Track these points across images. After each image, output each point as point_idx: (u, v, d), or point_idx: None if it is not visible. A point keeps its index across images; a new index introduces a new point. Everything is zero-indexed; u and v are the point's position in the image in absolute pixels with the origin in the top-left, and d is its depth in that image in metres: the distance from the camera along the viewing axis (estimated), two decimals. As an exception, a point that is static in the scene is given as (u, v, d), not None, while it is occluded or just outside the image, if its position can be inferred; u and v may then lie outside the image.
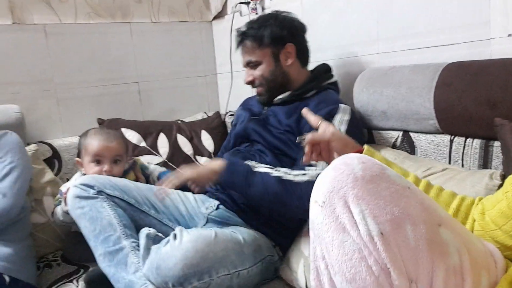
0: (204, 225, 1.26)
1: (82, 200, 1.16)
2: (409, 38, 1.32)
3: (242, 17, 1.99)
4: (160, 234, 1.14)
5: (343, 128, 1.19)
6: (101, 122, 1.77)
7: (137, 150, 1.72)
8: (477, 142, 1.06)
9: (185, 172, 1.29)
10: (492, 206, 0.75)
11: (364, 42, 1.46)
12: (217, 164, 1.26)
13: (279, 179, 1.14)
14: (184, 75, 2.14)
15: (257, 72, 1.40)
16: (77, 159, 1.41)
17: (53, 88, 1.78)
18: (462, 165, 1.09)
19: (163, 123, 1.86)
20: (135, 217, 1.21)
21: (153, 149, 1.75)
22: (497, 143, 1.01)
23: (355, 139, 0.98)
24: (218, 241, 1.08)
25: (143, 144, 1.74)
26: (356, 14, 1.47)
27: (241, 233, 1.17)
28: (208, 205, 1.29)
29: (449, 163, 1.12)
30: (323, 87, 1.37)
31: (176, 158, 1.75)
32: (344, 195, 0.65)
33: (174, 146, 1.78)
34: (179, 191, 1.34)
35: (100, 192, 1.17)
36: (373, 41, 1.42)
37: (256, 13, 1.89)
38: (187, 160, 1.76)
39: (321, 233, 0.67)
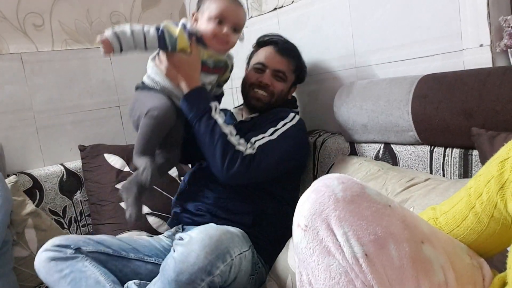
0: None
1: (59, 262, 1.10)
2: (384, 52, 1.34)
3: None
4: (144, 282, 1.12)
5: (283, 129, 1.30)
6: (82, 148, 1.75)
7: (121, 175, 1.69)
8: (456, 151, 1.07)
9: (183, 58, 1.24)
10: (450, 207, 0.76)
11: (341, 57, 1.47)
12: (196, 83, 1.25)
13: (225, 136, 1.20)
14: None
15: (279, 84, 1.44)
16: (193, 11, 1.31)
17: (32, 116, 1.76)
18: (443, 175, 1.10)
19: (146, 146, 1.84)
20: (118, 267, 1.18)
21: (137, 173, 1.72)
22: (476, 152, 1.03)
23: (286, 144, 1.23)
24: (221, 228, 1.09)
25: (126, 168, 1.72)
26: (331, 29, 1.48)
27: (229, 226, 1.19)
28: (175, 231, 1.32)
29: (430, 173, 1.13)
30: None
31: (161, 181, 1.73)
32: (326, 218, 0.65)
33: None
34: (144, 237, 1.37)
35: (77, 249, 1.13)
36: (349, 55, 1.44)
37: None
38: (172, 182, 1.74)
39: (306, 257, 0.66)
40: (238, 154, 1.19)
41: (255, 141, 1.25)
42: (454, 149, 1.08)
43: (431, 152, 1.13)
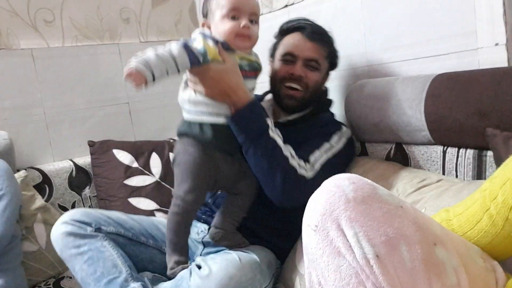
0: (202, 250, 1.23)
1: (77, 238, 1.07)
2: (397, 50, 1.32)
3: (230, 34, 1.99)
4: (156, 275, 1.10)
5: (339, 147, 1.19)
6: (92, 144, 1.75)
7: (130, 171, 1.70)
8: (470, 152, 1.05)
9: (219, 66, 1.06)
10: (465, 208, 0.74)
11: (352, 55, 1.45)
12: (244, 94, 1.08)
13: (286, 160, 1.06)
14: (175, 93, 2.12)
15: (313, 75, 1.27)
16: (203, 21, 1.16)
17: (42, 112, 1.77)
18: (456, 176, 1.08)
19: (155, 142, 1.84)
20: (136, 252, 1.16)
21: (145, 169, 1.73)
22: (490, 153, 1.01)
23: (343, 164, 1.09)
24: (244, 264, 1.04)
25: (135, 164, 1.72)
26: (343, 27, 1.47)
27: (252, 251, 1.13)
28: (197, 230, 1.25)
29: (443, 174, 1.11)
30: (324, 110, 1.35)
31: (169, 177, 1.73)
32: (337, 218, 0.64)
33: (167, 165, 1.76)
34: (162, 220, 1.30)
35: (98, 229, 1.10)
36: (361, 54, 1.42)
37: (244, 29, 1.88)
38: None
39: (316, 258, 0.65)
40: (300, 179, 1.06)
41: (315, 161, 1.13)
42: (468, 150, 1.05)
43: (444, 152, 1.10)
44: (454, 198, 0.92)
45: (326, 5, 1.52)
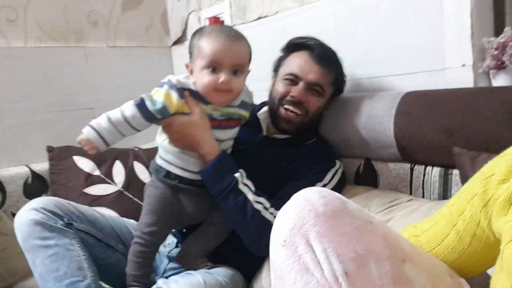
0: (167, 265, 1.18)
1: (45, 230, 0.98)
2: (367, 67, 1.33)
3: (202, 43, 1.97)
4: None
5: (332, 185, 1.14)
6: (51, 150, 1.67)
7: (90, 179, 1.62)
8: (436, 170, 1.07)
9: (182, 119, 1.04)
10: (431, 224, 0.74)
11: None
12: (211, 149, 1.05)
13: (258, 214, 1.03)
14: (142, 101, 2.07)
15: (315, 100, 1.20)
16: (186, 63, 1.10)
17: (-1, 114, 1.67)
18: (423, 194, 1.09)
19: (119, 150, 1.77)
20: (102, 255, 1.11)
21: (107, 177, 1.66)
22: (456, 171, 1.02)
23: None
24: (209, 287, 1.00)
25: (97, 172, 1.65)
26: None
27: (217, 273, 1.08)
28: (166, 242, 1.20)
29: (410, 191, 1.12)
30: (320, 136, 1.30)
31: (132, 187, 1.67)
32: (306, 233, 0.62)
33: (130, 174, 1.70)
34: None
35: (69, 225, 1.03)
36: (332, 68, 1.43)
37: (216, 39, 1.87)
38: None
39: (283, 274, 0.63)
40: None
41: None
42: (435, 168, 1.07)
43: (412, 169, 1.12)
44: (423, 218, 0.92)
45: (300, 18, 1.52)
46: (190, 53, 1.08)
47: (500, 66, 1.03)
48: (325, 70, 1.19)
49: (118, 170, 1.69)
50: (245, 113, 1.12)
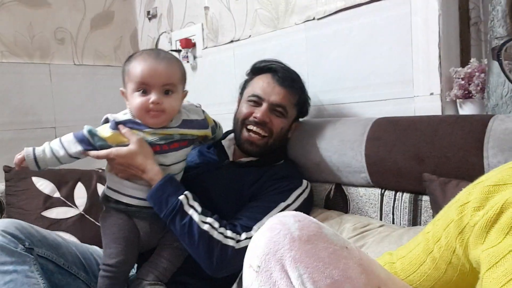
0: None
1: (4, 254, 0.92)
2: (338, 92, 1.35)
3: (172, 64, 1.95)
4: None
5: (296, 205, 1.12)
6: (7, 170, 1.57)
7: (49, 202, 1.54)
8: (406, 196, 1.07)
9: (121, 151, 1.03)
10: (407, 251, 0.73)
11: (295, 95, 1.46)
12: (154, 175, 1.04)
13: (205, 234, 1.00)
14: (108, 121, 2.01)
15: (278, 121, 1.21)
16: (121, 89, 1.09)
17: (-47, 131, 1.58)
18: (393, 219, 1.09)
19: (81, 171, 1.70)
20: (62, 282, 1.04)
21: (68, 200, 1.58)
22: (425, 198, 1.03)
23: None
24: None
25: (57, 194, 1.57)
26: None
27: None
28: None
29: (380, 216, 1.11)
30: (288, 159, 1.30)
31: (95, 210, 1.59)
32: (281, 258, 0.59)
33: (93, 197, 1.62)
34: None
35: (30, 249, 0.97)
36: (304, 93, 1.44)
37: (188, 61, 1.86)
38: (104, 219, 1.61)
39: (257, 302, 0.59)
40: (226, 248, 1.00)
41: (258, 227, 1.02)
42: (404, 194, 1.07)
43: (382, 195, 1.12)
44: (395, 244, 0.92)
45: (272, 43, 1.54)
46: (123, 79, 1.08)
47: (466, 96, 1.06)
48: (288, 91, 1.21)
49: (80, 193, 1.62)
50: (191, 131, 1.10)
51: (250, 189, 1.15)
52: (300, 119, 1.31)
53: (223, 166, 1.22)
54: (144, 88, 1.01)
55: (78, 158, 1.07)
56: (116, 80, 2.02)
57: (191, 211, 1.02)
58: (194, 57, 1.86)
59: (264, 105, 1.20)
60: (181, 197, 1.03)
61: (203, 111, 1.17)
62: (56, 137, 1.80)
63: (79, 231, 1.50)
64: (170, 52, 1.90)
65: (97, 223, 1.53)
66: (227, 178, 1.18)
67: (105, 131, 1.04)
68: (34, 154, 1.03)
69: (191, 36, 1.85)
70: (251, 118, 1.20)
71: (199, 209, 1.04)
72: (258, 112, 1.19)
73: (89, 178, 1.67)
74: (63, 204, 1.56)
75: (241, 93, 1.30)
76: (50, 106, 1.84)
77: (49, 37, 1.84)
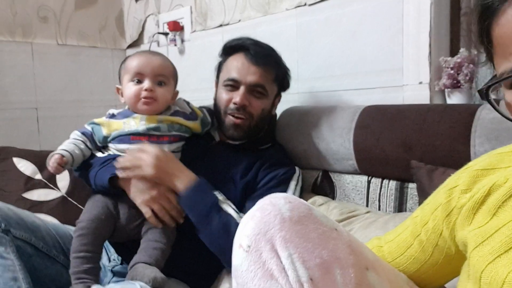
0: (111, 278, 1.11)
1: None
2: (328, 80, 1.34)
3: (159, 48, 1.92)
4: None
5: (297, 194, 1.11)
6: (-13, 150, 1.53)
7: (31, 183, 1.50)
8: (392, 183, 1.08)
9: (147, 169, 1.03)
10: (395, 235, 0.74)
11: (284, 81, 1.46)
12: (187, 176, 1.04)
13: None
14: (91, 104, 1.97)
15: (258, 103, 1.17)
16: (117, 86, 1.16)
17: None
18: (379, 206, 1.10)
19: (64, 153, 1.67)
20: (41, 266, 1.02)
21: (50, 182, 1.55)
22: (411, 185, 1.04)
23: None
24: None
25: (38, 176, 1.54)
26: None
27: None
28: (110, 256, 1.14)
29: (367, 203, 1.12)
30: (276, 142, 1.28)
31: (77, 192, 1.56)
32: (271, 238, 0.59)
33: (76, 179, 1.59)
34: None
35: (6, 231, 0.95)
36: (293, 80, 1.43)
37: (175, 45, 1.83)
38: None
39: (246, 281, 0.59)
40: None
41: None
42: (391, 181, 1.08)
43: (369, 182, 1.12)
44: (381, 230, 0.93)
45: (262, 28, 1.52)
46: (119, 76, 1.15)
47: (455, 85, 1.07)
48: (263, 69, 1.16)
49: (62, 175, 1.58)
50: (181, 120, 1.12)
51: (244, 179, 1.12)
52: (282, 92, 1.27)
53: (211, 148, 1.20)
54: (138, 78, 1.08)
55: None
56: (101, 62, 2.00)
57: (226, 208, 1.01)
58: (182, 41, 1.83)
59: (242, 88, 1.15)
60: (216, 193, 1.03)
61: (188, 103, 1.19)
62: (37, 119, 1.78)
63: (61, 214, 1.48)
64: (156, 35, 1.88)
65: (80, 206, 1.50)
66: (220, 161, 1.16)
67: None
68: (68, 152, 1.06)
69: (179, 19, 1.82)
70: (231, 105, 1.16)
71: (233, 205, 1.03)
72: (237, 97, 1.14)
73: (72, 161, 1.64)
74: (45, 186, 1.53)
75: (217, 76, 1.26)
76: (31, 86, 1.79)
77: (32, 15, 1.79)
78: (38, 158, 1.57)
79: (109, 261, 1.14)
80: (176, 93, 1.16)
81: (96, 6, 1.98)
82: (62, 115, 1.87)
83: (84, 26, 1.95)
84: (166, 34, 1.85)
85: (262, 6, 1.52)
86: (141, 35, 2.03)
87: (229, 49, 1.22)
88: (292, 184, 1.12)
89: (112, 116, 1.12)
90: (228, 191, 1.08)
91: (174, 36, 1.82)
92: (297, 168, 1.17)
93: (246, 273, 0.59)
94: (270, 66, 1.18)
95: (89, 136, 1.12)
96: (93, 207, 1.05)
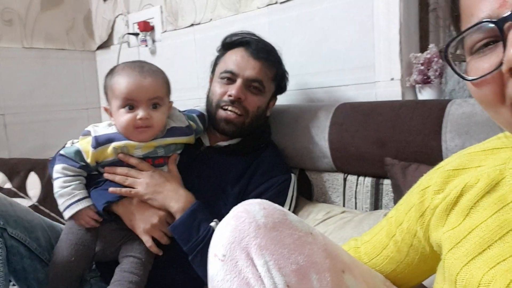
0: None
1: None
2: (301, 78, 1.34)
3: (130, 49, 1.88)
4: None
5: (293, 205, 1.08)
6: (-48, 160, 1.48)
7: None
8: (368, 180, 1.09)
9: (140, 187, 0.99)
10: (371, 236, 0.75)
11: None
12: (184, 197, 0.99)
13: None
14: (61, 108, 1.92)
15: (255, 99, 1.10)
16: (104, 106, 1.05)
17: None
18: (356, 203, 1.10)
19: (34, 160, 1.62)
20: (30, 268, 0.98)
21: (20, 191, 1.50)
22: (386, 181, 1.05)
23: None
24: None
25: (7, 185, 1.49)
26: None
27: None
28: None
29: (343, 201, 1.13)
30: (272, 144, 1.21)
31: (49, 201, 1.52)
32: (246, 246, 0.59)
33: (47, 187, 1.55)
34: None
35: (2, 229, 0.92)
36: (266, 79, 1.42)
37: (146, 45, 1.79)
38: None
39: (222, 291, 0.58)
40: None
41: None
42: (367, 178, 1.09)
43: (345, 180, 1.13)
44: (356, 229, 0.94)
45: (234, 27, 1.49)
46: (106, 94, 1.03)
47: (425, 81, 1.08)
48: (263, 64, 1.10)
49: (33, 183, 1.54)
50: (176, 140, 1.05)
51: (235, 189, 1.07)
52: (278, 96, 1.21)
53: (200, 154, 1.13)
54: (130, 104, 0.97)
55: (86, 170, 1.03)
56: (70, 64, 1.95)
57: None
58: (153, 41, 1.80)
59: (239, 81, 1.08)
60: (213, 224, 0.95)
61: (184, 114, 1.10)
62: (5, 125, 1.72)
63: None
64: (126, 35, 1.84)
65: (52, 214, 1.47)
66: (210, 167, 1.10)
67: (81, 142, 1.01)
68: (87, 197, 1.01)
69: (149, 19, 1.78)
70: (226, 98, 1.09)
71: None
72: (233, 89, 1.07)
73: (42, 168, 1.59)
74: (15, 195, 1.48)
75: (213, 71, 1.19)
76: (-4, 91, 1.73)
77: (-5, 18, 1.72)
78: (8, 167, 1.52)
79: (89, 271, 1.10)
80: (170, 105, 1.06)
81: (62, 7, 1.92)
82: (31, 120, 1.82)
83: (51, 28, 1.89)
84: (136, 34, 1.81)
85: (233, 5, 1.50)
86: (110, 36, 1.98)
87: (229, 44, 1.17)
88: (290, 194, 1.07)
89: (96, 140, 0.99)
90: (217, 204, 1.03)
91: (145, 36, 1.78)
92: (292, 175, 1.11)
93: (222, 283, 0.58)
94: (271, 63, 1.13)
95: (79, 167, 1.02)
96: (66, 245, 1.00)
